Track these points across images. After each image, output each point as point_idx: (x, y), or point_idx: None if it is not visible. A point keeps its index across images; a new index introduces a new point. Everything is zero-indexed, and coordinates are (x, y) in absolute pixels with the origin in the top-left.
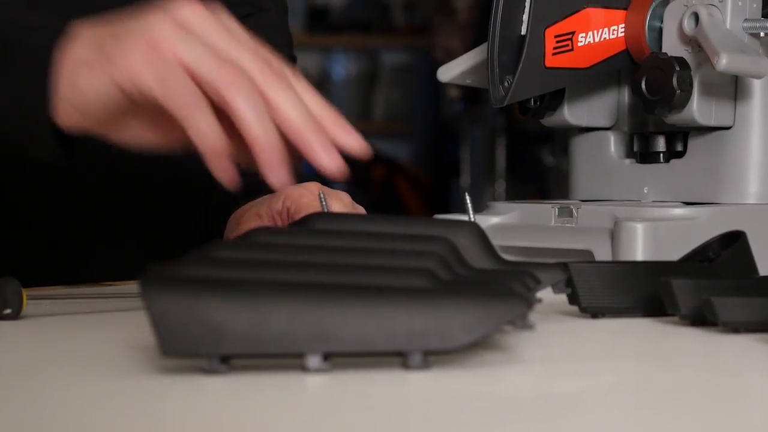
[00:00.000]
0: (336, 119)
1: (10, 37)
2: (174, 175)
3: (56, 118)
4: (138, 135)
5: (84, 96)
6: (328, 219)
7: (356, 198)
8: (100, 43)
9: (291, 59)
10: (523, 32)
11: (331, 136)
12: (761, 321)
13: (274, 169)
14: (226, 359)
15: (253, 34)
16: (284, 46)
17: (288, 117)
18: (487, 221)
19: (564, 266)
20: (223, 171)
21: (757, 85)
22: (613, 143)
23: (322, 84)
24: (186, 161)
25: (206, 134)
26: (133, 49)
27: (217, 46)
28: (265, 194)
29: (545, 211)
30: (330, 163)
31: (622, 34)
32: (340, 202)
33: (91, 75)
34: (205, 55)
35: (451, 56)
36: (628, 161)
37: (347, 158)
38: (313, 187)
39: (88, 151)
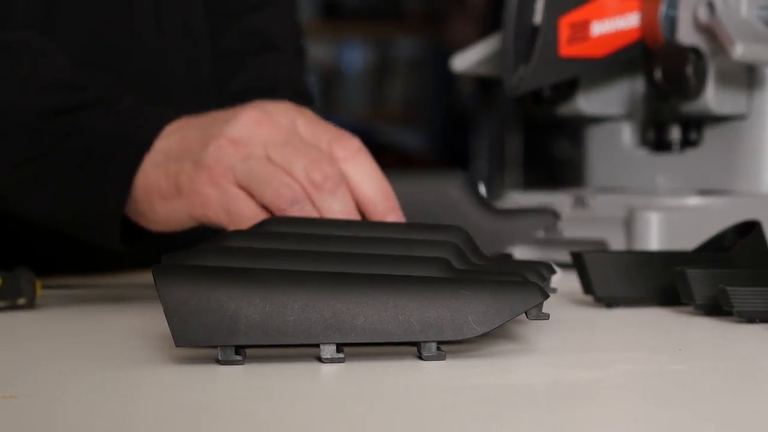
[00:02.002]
0: (389, 207)
1: (95, 147)
2: None
3: (130, 219)
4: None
5: (162, 220)
6: None
7: None
8: (172, 171)
9: (300, 51)
10: (537, 21)
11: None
12: None
13: None
14: (241, 349)
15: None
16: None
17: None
18: None
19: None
20: None
21: None
22: (627, 132)
23: (335, 73)
24: None
25: None
26: (199, 182)
27: (273, 158)
28: None
29: (560, 201)
30: None
31: (637, 23)
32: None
33: (166, 204)
34: (262, 180)
35: (464, 46)
36: (642, 150)
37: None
38: None
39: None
